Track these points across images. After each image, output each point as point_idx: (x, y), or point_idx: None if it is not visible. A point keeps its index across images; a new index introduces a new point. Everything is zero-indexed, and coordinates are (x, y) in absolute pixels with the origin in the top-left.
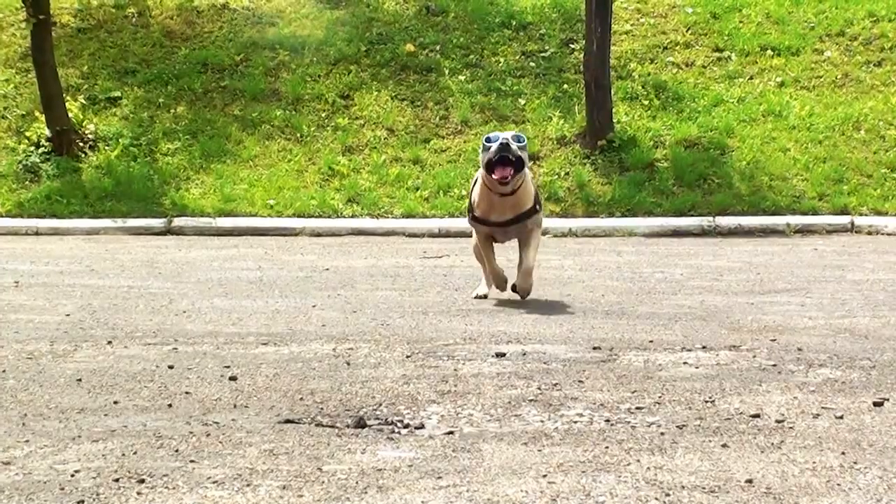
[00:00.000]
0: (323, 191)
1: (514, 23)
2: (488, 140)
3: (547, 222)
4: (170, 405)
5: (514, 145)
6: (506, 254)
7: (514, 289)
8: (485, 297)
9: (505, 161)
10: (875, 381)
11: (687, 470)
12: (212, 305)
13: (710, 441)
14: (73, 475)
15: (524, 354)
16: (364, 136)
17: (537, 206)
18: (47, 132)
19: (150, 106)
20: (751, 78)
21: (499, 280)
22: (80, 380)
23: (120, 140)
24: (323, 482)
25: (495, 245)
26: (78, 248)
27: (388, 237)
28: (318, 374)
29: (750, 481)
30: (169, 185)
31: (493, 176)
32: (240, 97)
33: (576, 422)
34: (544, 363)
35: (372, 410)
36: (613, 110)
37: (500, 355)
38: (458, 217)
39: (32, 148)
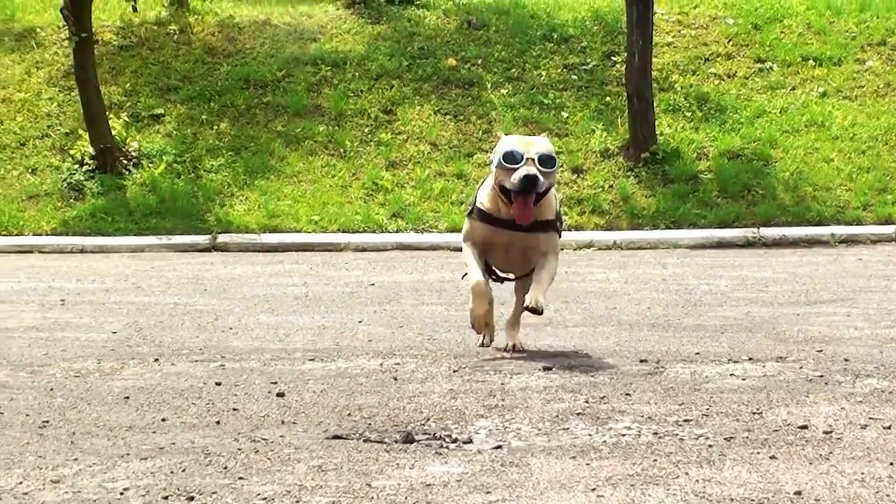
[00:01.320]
0: (367, 206)
1: (555, 36)
2: (510, 157)
3: (592, 235)
4: (218, 422)
5: (541, 180)
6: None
7: (528, 309)
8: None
9: (528, 193)
10: None
11: (735, 482)
12: (258, 322)
13: (758, 453)
14: (122, 493)
15: (571, 368)
16: (407, 151)
17: (558, 224)
18: (91, 150)
19: (193, 123)
20: (793, 88)
21: (481, 298)
22: (127, 397)
23: (163, 157)
24: (372, 498)
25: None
26: (123, 265)
27: (433, 252)
28: (366, 390)
29: (799, 493)
30: (213, 201)
31: (513, 212)
32: (282, 113)
33: (624, 435)
34: (591, 376)
35: (420, 425)
36: (656, 122)
37: (547, 369)
38: None
39: (76, 166)
